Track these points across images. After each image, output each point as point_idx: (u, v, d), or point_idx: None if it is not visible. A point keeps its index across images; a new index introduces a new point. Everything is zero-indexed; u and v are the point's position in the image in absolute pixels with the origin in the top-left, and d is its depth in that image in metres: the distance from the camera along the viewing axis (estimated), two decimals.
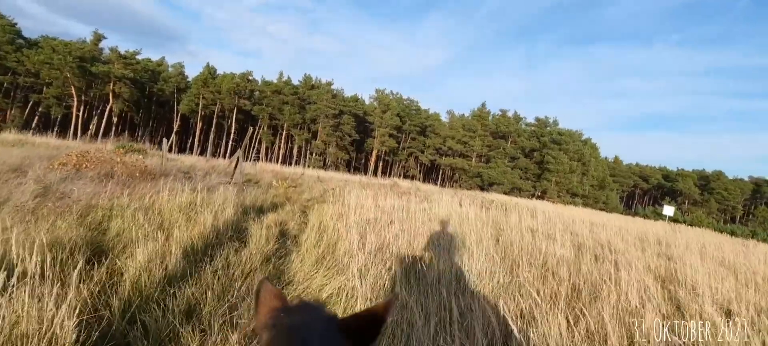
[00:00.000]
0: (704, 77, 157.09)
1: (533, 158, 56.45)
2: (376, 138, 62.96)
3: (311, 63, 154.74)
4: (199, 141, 67.61)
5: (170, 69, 67.68)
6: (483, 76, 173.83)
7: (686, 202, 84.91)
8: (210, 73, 63.08)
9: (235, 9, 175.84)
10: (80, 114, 53.07)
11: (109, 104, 55.43)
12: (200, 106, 61.60)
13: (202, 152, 64.95)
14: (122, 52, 56.24)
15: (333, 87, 64.79)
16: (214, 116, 63.99)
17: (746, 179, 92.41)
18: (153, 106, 67.68)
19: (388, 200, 10.84)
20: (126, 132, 68.06)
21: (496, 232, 7.16)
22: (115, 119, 63.03)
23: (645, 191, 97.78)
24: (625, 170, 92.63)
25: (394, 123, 62.30)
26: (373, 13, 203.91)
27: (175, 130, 63.88)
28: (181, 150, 67.45)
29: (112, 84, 54.15)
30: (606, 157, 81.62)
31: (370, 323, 0.68)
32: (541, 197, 51.77)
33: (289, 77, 64.76)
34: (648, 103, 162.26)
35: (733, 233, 35.04)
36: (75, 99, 51.85)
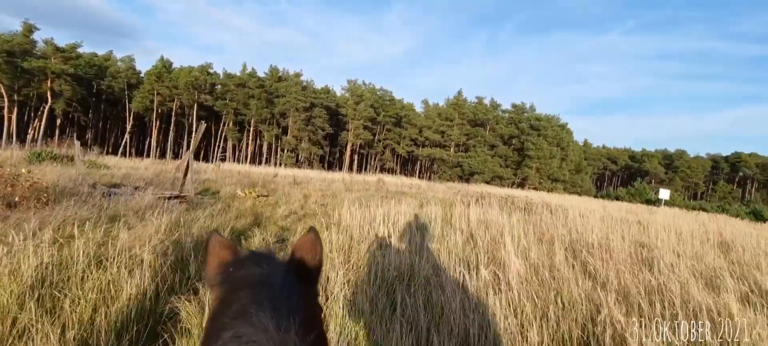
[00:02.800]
0: (657, 61, 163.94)
1: (512, 145, 55.32)
2: (350, 131, 59.90)
3: (277, 56, 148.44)
4: (157, 142, 62.03)
5: (119, 63, 61.44)
6: (449, 64, 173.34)
7: (652, 181, 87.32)
8: (164, 66, 57.62)
9: (190, 1, 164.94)
10: (13, 116, 46.75)
11: (48, 104, 49.21)
12: (155, 103, 56.17)
13: (163, 154, 59.52)
14: (60, 45, 49.98)
15: (302, 79, 60.98)
16: (173, 114, 58.66)
17: (705, 156, 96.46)
18: (102, 105, 61.35)
19: (393, 207, 8.19)
20: (73, 135, 61.58)
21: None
22: (59, 121, 56.57)
23: (613, 173, 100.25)
24: (595, 153, 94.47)
25: (368, 115, 59.42)
26: (336, 3, 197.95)
27: (128, 130, 58.11)
28: (138, 153, 61.63)
29: (49, 81, 48.00)
30: (576, 141, 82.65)
31: (313, 254, 0.69)
32: (521, 185, 50.76)
33: (253, 69, 60.30)
34: (606, 87, 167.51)
35: (702, 209, 34.92)
36: (5, 99, 45.53)
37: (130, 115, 59.06)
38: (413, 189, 18.26)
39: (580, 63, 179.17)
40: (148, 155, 58.66)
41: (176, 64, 60.52)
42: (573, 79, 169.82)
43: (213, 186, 10.98)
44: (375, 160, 68.00)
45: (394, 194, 14.60)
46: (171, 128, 59.80)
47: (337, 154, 68.11)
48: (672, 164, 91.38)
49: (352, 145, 62.01)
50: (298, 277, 0.65)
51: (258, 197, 9.15)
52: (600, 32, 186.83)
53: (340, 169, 61.17)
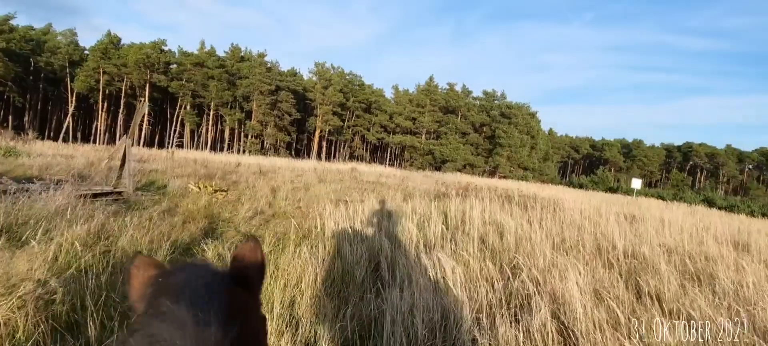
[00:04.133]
0: (614, 52, 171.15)
1: (483, 133, 55.26)
2: (318, 116, 57.52)
3: (239, 39, 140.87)
4: (106, 125, 56.84)
5: (59, 38, 55.34)
6: (417, 51, 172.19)
7: (612, 169, 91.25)
8: (112, 42, 52.52)
9: None
10: None
11: None
12: (101, 82, 51.15)
13: (112, 140, 54.59)
14: None
15: (267, 59, 57.60)
16: (123, 95, 53.74)
17: (659, 145, 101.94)
18: (41, 84, 55.22)
19: (375, 203, 6.86)
20: (7, 119, 55.09)
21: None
22: None
23: (576, 161, 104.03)
24: (559, 142, 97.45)
25: (337, 100, 57.23)
26: None
27: (70, 113, 52.71)
28: (84, 138, 56.24)
29: None
30: (543, 130, 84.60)
31: (254, 268, 0.67)
32: (492, 173, 50.90)
33: (212, 47, 56.22)
34: (568, 76, 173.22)
35: (660, 197, 36.37)
36: None
37: (72, 96, 53.54)
38: (390, 179, 16.97)
39: (543, 53, 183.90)
40: (94, 141, 53.67)
41: (126, 41, 55.41)
42: (537, 69, 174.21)
43: (161, 179, 9.11)
44: (344, 147, 66.10)
45: (371, 185, 13.23)
46: (120, 111, 54.86)
47: (305, 141, 65.57)
48: (630, 153, 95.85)
49: (321, 132, 59.73)
50: (235, 283, 0.62)
51: (215, 192, 7.48)
52: (562, 23, 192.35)
53: (309, 156, 58.85)
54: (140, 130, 55.31)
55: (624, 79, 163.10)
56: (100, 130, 55.41)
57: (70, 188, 5.28)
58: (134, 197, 6.64)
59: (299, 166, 20.81)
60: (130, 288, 0.62)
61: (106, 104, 55.49)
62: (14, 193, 5.04)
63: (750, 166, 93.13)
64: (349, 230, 4.46)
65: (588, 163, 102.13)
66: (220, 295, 0.56)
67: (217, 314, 0.53)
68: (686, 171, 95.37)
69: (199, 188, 7.49)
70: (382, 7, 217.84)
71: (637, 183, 22.50)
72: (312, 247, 3.83)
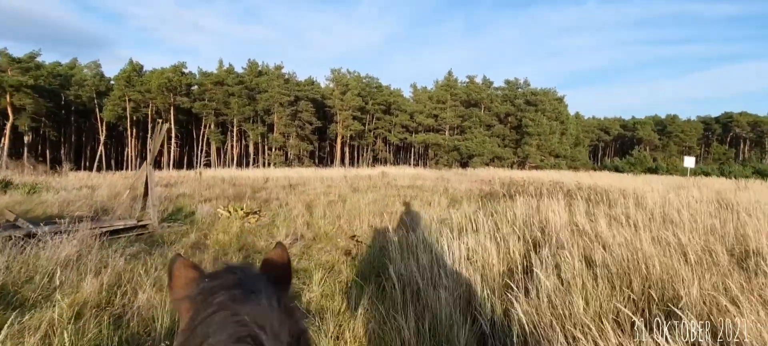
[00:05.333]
0: (634, 28, 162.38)
1: (509, 123, 53.31)
2: (339, 123, 57.11)
3: (255, 54, 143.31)
4: (136, 151, 58.41)
5: (85, 71, 57.35)
6: (430, 47, 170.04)
7: (647, 148, 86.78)
8: (135, 69, 53.86)
9: (159, 5, 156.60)
10: None
11: (9, 121, 45.32)
12: (128, 109, 52.50)
13: (142, 164, 56.01)
14: (16, 55, 45.95)
15: (284, 71, 57.71)
16: (149, 119, 55.05)
17: (694, 119, 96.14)
18: (73, 117, 57.35)
19: (423, 211, 5.90)
20: (46, 152, 57.49)
21: None
22: (26, 138, 52.57)
23: (607, 144, 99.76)
24: (587, 125, 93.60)
25: (356, 104, 56.63)
26: None
27: (102, 141, 54.41)
28: (117, 164, 57.94)
29: (8, 96, 44.04)
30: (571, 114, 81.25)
31: (282, 268, 0.73)
32: (522, 164, 48.92)
33: (231, 65, 56.83)
34: (589, 58, 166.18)
35: (704, 174, 33.63)
36: None
37: (102, 125, 55.28)
38: (425, 180, 15.99)
39: (560, 36, 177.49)
40: (126, 167, 55.15)
41: (148, 68, 56.80)
42: (556, 53, 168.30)
43: (188, 204, 8.48)
44: (367, 151, 65.48)
45: (408, 190, 12.28)
46: (149, 136, 56.24)
47: (328, 149, 65.40)
48: (665, 130, 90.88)
49: (343, 138, 59.31)
50: (274, 288, 0.65)
51: (247, 215, 6.73)
52: (575, 3, 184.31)
53: (333, 163, 58.54)
54: (168, 153, 56.53)
55: (649, 53, 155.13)
56: (131, 156, 56.94)
57: (86, 229, 4.60)
58: (160, 230, 5.96)
59: (327, 175, 20.12)
60: (173, 285, 0.65)
61: (134, 130, 57.02)
62: (23, 239, 4.40)
63: None
64: (418, 256, 3.54)
65: (619, 145, 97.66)
66: (275, 292, 0.61)
67: (277, 301, 0.58)
68: (727, 143, 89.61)
69: (229, 212, 6.77)
70: (391, 8, 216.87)
71: (690, 161, 20.56)
72: (380, 290, 2.93)
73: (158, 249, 4.46)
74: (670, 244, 3.60)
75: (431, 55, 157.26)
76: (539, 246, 4.17)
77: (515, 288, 2.85)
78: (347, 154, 62.20)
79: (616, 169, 50.56)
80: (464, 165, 50.76)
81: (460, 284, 2.82)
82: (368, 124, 61.58)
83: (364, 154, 65.71)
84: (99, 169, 51.81)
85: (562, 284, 2.93)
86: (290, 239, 5.37)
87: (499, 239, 4.53)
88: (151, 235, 5.62)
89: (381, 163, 61.70)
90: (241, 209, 6.88)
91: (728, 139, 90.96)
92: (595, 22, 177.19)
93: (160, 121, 8.01)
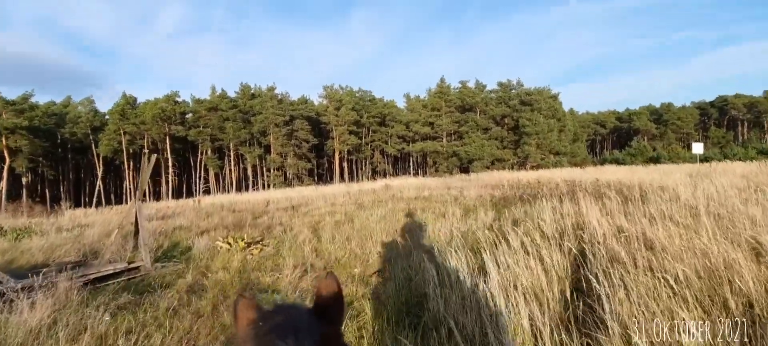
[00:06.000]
0: (619, 21, 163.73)
1: (505, 125, 53.04)
2: (335, 138, 56.78)
3: (248, 78, 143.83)
4: (134, 184, 57.82)
5: (80, 108, 57.15)
6: (420, 58, 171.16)
7: (645, 138, 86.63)
8: (128, 102, 53.65)
9: (151, 41, 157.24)
10: None
11: (6, 164, 44.84)
12: (124, 143, 52.13)
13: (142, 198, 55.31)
14: (9, 98, 45.70)
15: (277, 92, 57.57)
16: (145, 150, 54.64)
17: (689, 105, 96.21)
18: (70, 154, 56.90)
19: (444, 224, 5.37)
20: (45, 191, 56.90)
21: None
22: (25, 180, 52.04)
23: (604, 137, 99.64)
24: (582, 120, 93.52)
25: (351, 118, 56.39)
26: (297, 20, 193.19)
27: (99, 176, 53.89)
28: (117, 199, 57.30)
29: (4, 139, 43.66)
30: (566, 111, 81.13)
31: (335, 302, 0.75)
32: (522, 165, 48.49)
33: (223, 90, 56.62)
34: (575, 54, 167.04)
35: (706, 160, 33.12)
36: None
37: (99, 161, 54.79)
38: (431, 190, 15.48)
39: (548, 37, 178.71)
40: (124, 200, 54.49)
41: (142, 100, 56.58)
42: (544, 53, 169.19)
43: (186, 237, 7.93)
44: (365, 164, 65.06)
45: (416, 202, 11.76)
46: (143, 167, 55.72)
47: (326, 165, 64.97)
48: (661, 118, 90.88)
49: (340, 153, 58.92)
50: (320, 319, 0.71)
51: (248, 246, 6.19)
52: (559, 3, 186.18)
53: (332, 179, 58.06)
54: (166, 182, 55.99)
55: (637, 45, 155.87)
56: (130, 189, 56.36)
57: (66, 280, 4.06)
58: (153, 272, 5.42)
59: (329, 192, 19.59)
60: (237, 328, 0.71)
61: (131, 163, 56.57)
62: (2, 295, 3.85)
63: None
64: (461, 288, 3.02)
65: (616, 137, 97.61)
66: (317, 332, 0.67)
67: (317, 341, 0.65)
68: (724, 126, 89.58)
69: (230, 244, 6.23)
70: (379, 24, 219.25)
71: (698, 147, 20.12)
72: (418, 335, 2.39)
73: (149, 297, 3.92)
74: (750, 247, 3.08)
75: (422, 65, 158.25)
76: (586, 259, 3.65)
77: (583, 318, 2.32)
78: (346, 168, 61.74)
79: (617, 162, 50.08)
80: (465, 170, 50.30)
81: (520, 323, 2.29)
82: (365, 137, 61.28)
83: (363, 168, 65.27)
84: (98, 204, 51.24)
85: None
86: (298, 270, 4.83)
87: (533, 251, 4.01)
88: (144, 278, 5.08)
89: (381, 175, 61.23)
90: (242, 240, 6.34)
91: (725, 122, 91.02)
92: (580, 19, 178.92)
93: (146, 153, 7.52)
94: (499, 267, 3.21)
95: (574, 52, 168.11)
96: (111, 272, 5.17)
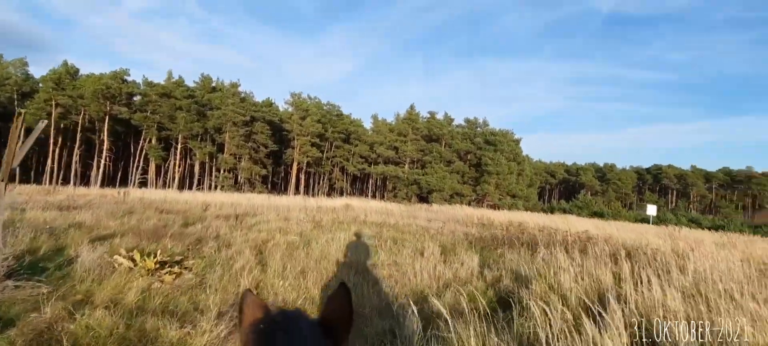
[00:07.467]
0: (573, 84, 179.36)
1: (468, 161, 53.55)
2: (296, 148, 54.26)
3: (213, 71, 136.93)
4: (59, 163, 51.26)
5: (10, 69, 50.43)
6: (391, 84, 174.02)
7: (588, 193, 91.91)
8: (68, 72, 48.13)
9: (113, 14, 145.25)
10: None
11: None
12: (54, 115, 46.31)
13: (65, 180, 49.01)
14: None
15: (240, 90, 54.43)
16: (79, 129, 48.91)
17: (628, 168, 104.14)
18: None
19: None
20: None
21: None
22: None
23: (553, 186, 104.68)
24: (536, 167, 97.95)
25: (315, 130, 54.35)
26: (273, 24, 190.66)
27: None
28: (36, 179, 50.27)
29: None
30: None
31: (343, 319, 0.73)
32: (480, 201, 48.82)
33: (181, 77, 52.65)
34: (533, 106, 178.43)
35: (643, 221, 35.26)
36: None
37: (21, 132, 48.02)
38: (395, 218, 14.10)
39: (510, 84, 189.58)
40: (46, 181, 48.01)
41: (86, 72, 51.04)
42: (505, 100, 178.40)
43: (79, 241, 5.85)
44: (324, 179, 62.78)
45: (381, 228, 10.31)
46: (77, 146, 49.79)
47: (283, 174, 61.88)
48: (604, 177, 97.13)
49: (299, 164, 56.35)
50: (326, 333, 0.69)
51: (162, 267, 4.38)
52: (523, 58, 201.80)
53: (287, 190, 55.11)
54: (98, 167, 50.17)
55: (586, 108, 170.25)
56: (54, 168, 49.84)
57: None
58: (1, 295, 3.48)
59: (283, 203, 17.57)
60: (241, 326, 0.71)
61: (60, 139, 50.29)
62: None
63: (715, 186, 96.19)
64: None
65: (564, 188, 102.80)
66: (317, 340, 0.66)
67: None
68: (657, 192, 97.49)
69: (134, 261, 4.40)
70: (355, 44, 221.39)
71: (652, 209, 20.64)
72: None
73: None
74: None
75: (391, 91, 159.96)
76: None
77: None
78: (303, 181, 59.08)
79: (565, 211, 52.07)
80: (424, 199, 49.72)
81: None
82: (327, 152, 59.30)
83: (321, 183, 62.89)
84: (11, 180, 44.47)
85: None
86: (226, 321, 3.18)
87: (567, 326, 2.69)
88: None
89: (338, 192, 59.11)
90: (154, 257, 4.53)
91: (658, 188, 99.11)
92: (540, 74, 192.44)
93: (33, 118, 5.48)
94: None
95: (533, 104, 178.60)
96: None
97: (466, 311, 3.14)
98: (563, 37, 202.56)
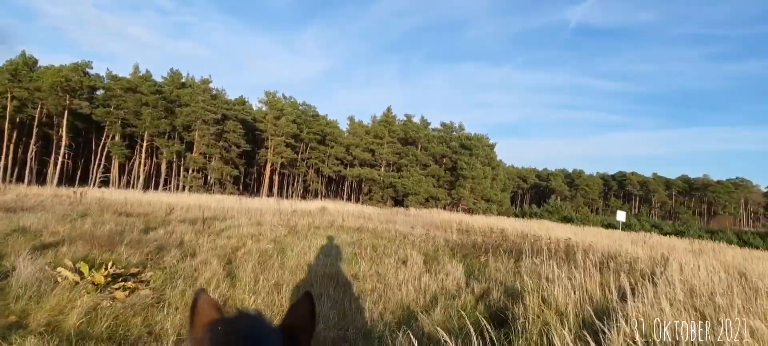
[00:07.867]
0: (543, 92, 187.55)
1: (444, 165, 53.93)
2: (270, 148, 52.93)
3: (183, 69, 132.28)
4: (14, 159, 47.77)
5: None
6: (366, 86, 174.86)
7: (558, 198, 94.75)
8: (26, 63, 45.05)
9: (76, 5, 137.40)
10: None
11: None
12: (9, 108, 43.13)
13: (19, 178, 45.65)
14: None
15: (211, 86, 52.58)
16: (35, 123, 45.79)
17: (595, 174, 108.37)
18: None
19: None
20: None
21: None
22: None
23: (524, 191, 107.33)
24: (508, 172, 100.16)
25: (290, 131, 53.22)
26: (247, 21, 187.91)
27: None
28: None
29: None
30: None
31: (305, 327, 0.71)
32: (455, 205, 49.22)
33: (148, 72, 50.32)
34: (505, 112, 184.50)
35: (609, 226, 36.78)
36: None
37: None
38: (373, 223, 13.77)
39: (484, 90, 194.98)
40: (1, 180, 44.56)
41: (45, 64, 47.85)
42: (481, 105, 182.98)
43: (20, 249, 5.16)
44: (298, 181, 61.59)
45: (359, 234, 9.96)
46: (33, 142, 46.56)
47: (255, 175, 60.26)
48: (573, 182, 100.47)
49: (273, 165, 55.00)
50: (287, 339, 0.67)
51: (114, 280, 3.86)
52: (496, 65, 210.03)
53: (259, 192, 53.66)
54: (55, 164, 47.09)
55: (555, 115, 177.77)
56: (8, 165, 46.38)
57: None
58: None
59: (255, 206, 16.86)
60: (193, 325, 0.67)
61: (15, 135, 46.89)
62: None
63: (675, 193, 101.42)
64: None
65: (535, 193, 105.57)
66: (280, 343, 0.64)
67: None
68: (622, 198, 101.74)
69: (81, 274, 3.85)
70: (331, 43, 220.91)
71: (621, 216, 21.32)
72: None
73: None
74: None
75: (368, 93, 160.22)
76: None
77: None
78: (277, 182, 57.71)
79: (536, 216, 53.41)
80: (399, 202, 49.62)
81: None
82: (301, 153, 58.22)
83: (295, 184, 61.67)
84: None
85: None
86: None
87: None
88: None
89: (312, 194, 58.11)
90: (105, 269, 3.99)
91: (622, 194, 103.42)
92: (511, 82, 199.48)
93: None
94: None
95: (506, 110, 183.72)
96: None
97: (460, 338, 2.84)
98: (534, 47, 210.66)
